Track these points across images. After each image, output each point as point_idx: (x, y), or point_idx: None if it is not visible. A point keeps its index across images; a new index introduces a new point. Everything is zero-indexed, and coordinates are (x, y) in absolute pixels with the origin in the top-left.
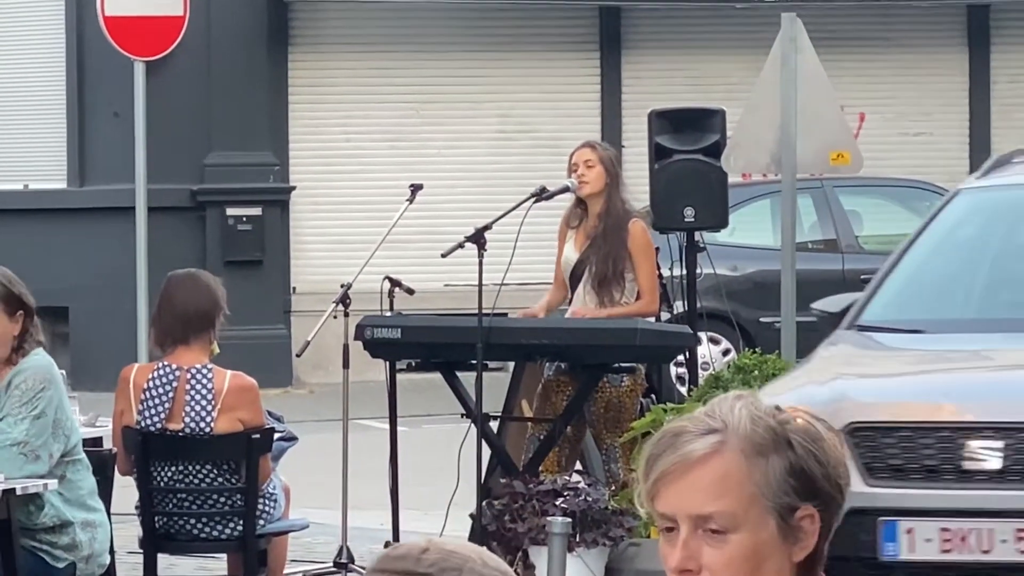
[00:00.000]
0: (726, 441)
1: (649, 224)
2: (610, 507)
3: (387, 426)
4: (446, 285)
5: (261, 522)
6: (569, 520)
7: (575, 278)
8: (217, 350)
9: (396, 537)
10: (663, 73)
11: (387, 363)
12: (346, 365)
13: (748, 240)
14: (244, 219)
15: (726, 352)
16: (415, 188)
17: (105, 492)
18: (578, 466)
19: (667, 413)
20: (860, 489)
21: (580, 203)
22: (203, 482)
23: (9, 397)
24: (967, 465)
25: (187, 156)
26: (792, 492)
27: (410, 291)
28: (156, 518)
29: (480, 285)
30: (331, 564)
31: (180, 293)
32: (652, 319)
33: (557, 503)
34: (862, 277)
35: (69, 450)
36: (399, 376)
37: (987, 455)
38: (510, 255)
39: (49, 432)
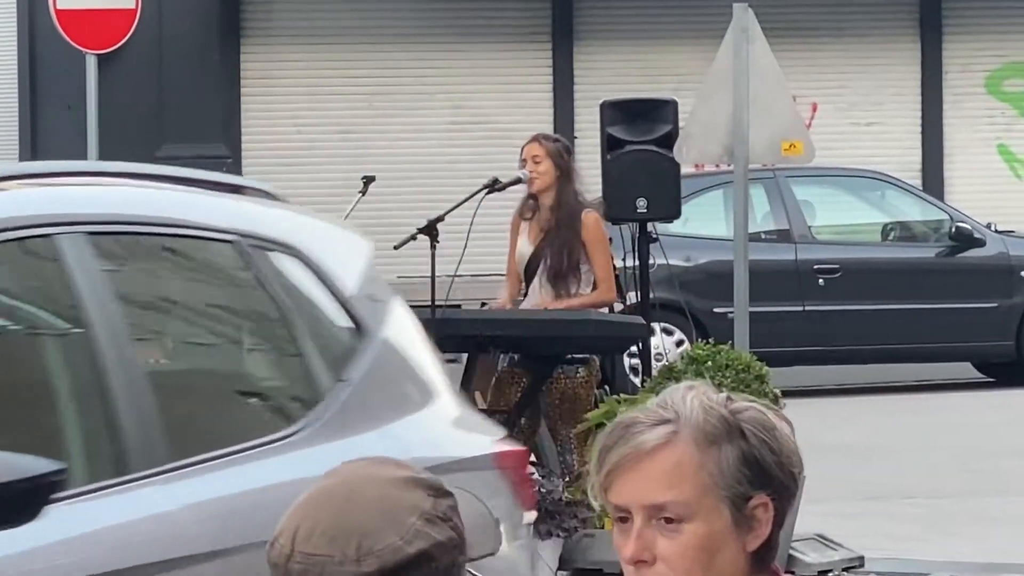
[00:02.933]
0: (678, 431)
1: (603, 215)
2: (564, 498)
3: None
4: (399, 277)
5: None
6: None
7: (530, 271)
8: None
9: None
10: (615, 63)
11: None
12: None
13: (701, 230)
14: None
15: (679, 343)
16: (368, 180)
17: None
18: (532, 458)
19: (621, 404)
20: None
21: (532, 195)
22: None
23: None
24: None
25: (140, 149)
26: (745, 481)
27: None
28: None
29: (433, 277)
30: None
31: None
32: (607, 309)
33: None
34: (815, 267)
35: None
36: None
37: None
38: (463, 247)
39: None
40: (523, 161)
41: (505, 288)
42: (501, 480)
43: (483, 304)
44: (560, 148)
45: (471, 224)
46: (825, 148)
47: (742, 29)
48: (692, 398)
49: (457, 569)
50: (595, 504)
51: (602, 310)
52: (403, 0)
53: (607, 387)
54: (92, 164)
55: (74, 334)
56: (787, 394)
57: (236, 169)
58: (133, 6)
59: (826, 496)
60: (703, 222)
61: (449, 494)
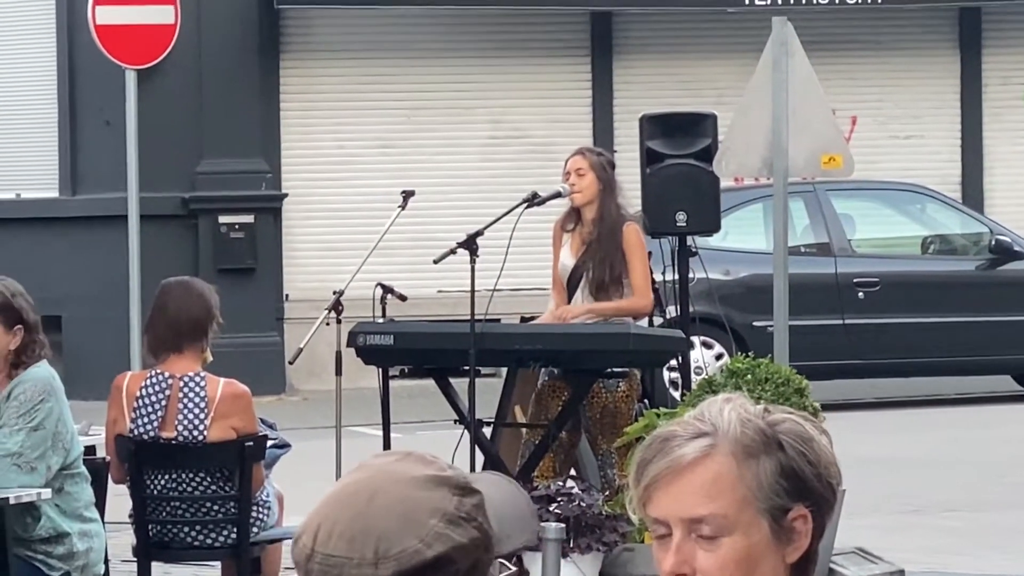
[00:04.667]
0: (716, 444)
1: (644, 228)
2: (604, 512)
3: (380, 433)
4: (439, 291)
5: (255, 530)
6: (563, 526)
7: (572, 284)
8: (210, 358)
9: None
10: (654, 77)
11: (380, 370)
12: (339, 372)
13: (740, 244)
14: (236, 227)
15: (719, 356)
16: (407, 194)
17: (99, 500)
18: (572, 472)
19: (660, 418)
20: None
21: (575, 208)
22: (196, 490)
23: (8, 408)
24: None
25: (179, 164)
26: (784, 493)
27: (402, 297)
28: (150, 526)
29: (472, 291)
30: None
31: (173, 301)
32: (645, 321)
33: (551, 509)
34: (855, 280)
35: (69, 463)
36: (392, 383)
37: None
38: (502, 261)
39: (48, 445)
40: (567, 174)
41: (552, 300)
42: None
43: (522, 319)
44: (604, 162)
45: (510, 238)
46: (865, 161)
47: (781, 43)
48: (729, 411)
49: (480, 569)
50: (634, 518)
51: (642, 323)
52: (442, 15)
53: (647, 401)
54: None
55: None
56: (826, 408)
57: (275, 184)
58: (172, 21)
59: (866, 509)
60: (742, 236)
61: (475, 492)
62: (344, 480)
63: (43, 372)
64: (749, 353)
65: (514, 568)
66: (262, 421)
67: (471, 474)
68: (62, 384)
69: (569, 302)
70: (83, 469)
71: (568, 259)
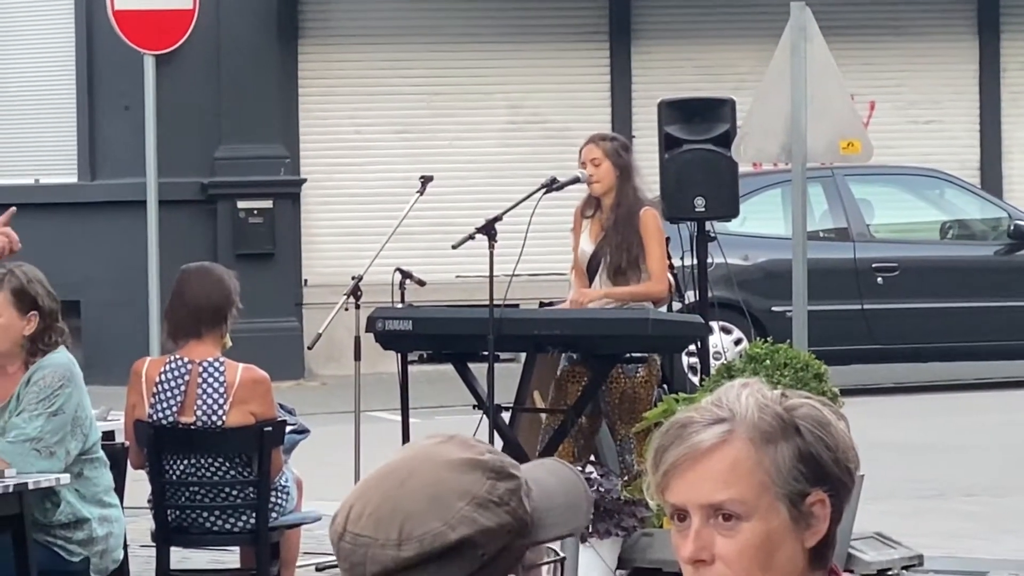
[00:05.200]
0: (734, 430)
1: (661, 213)
2: (623, 497)
3: (399, 418)
4: (457, 276)
5: (274, 515)
6: None
7: (591, 269)
8: (229, 343)
9: None
10: (673, 63)
11: (399, 355)
12: (358, 357)
13: (759, 229)
14: (255, 212)
15: (738, 342)
16: (425, 180)
17: (118, 486)
18: (592, 457)
19: (679, 403)
20: None
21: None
22: (215, 475)
23: (27, 393)
24: None
25: (198, 149)
26: (802, 478)
27: (421, 283)
28: (169, 511)
29: (491, 276)
30: None
31: (193, 287)
32: (664, 306)
33: None
34: (873, 265)
35: (88, 448)
36: (411, 368)
37: None
38: (521, 246)
39: (67, 430)
40: (583, 164)
41: (574, 285)
42: None
43: (541, 304)
44: (617, 147)
45: (529, 224)
46: (883, 146)
47: (800, 28)
48: (747, 396)
49: (511, 555)
50: (652, 504)
51: (660, 308)
52: (461, 0)
53: (666, 386)
54: None
55: None
56: (845, 393)
57: (294, 169)
58: (191, 7)
59: (885, 495)
60: (761, 221)
61: (512, 477)
62: (386, 461)
63: (62, 358)
64: (768, 338)
65: (564, 555)
66: (281, 406)
67: (531, 461)
68: (80, 370)
69: (589, 287)
70: (101, 454)
71: (587, 245)
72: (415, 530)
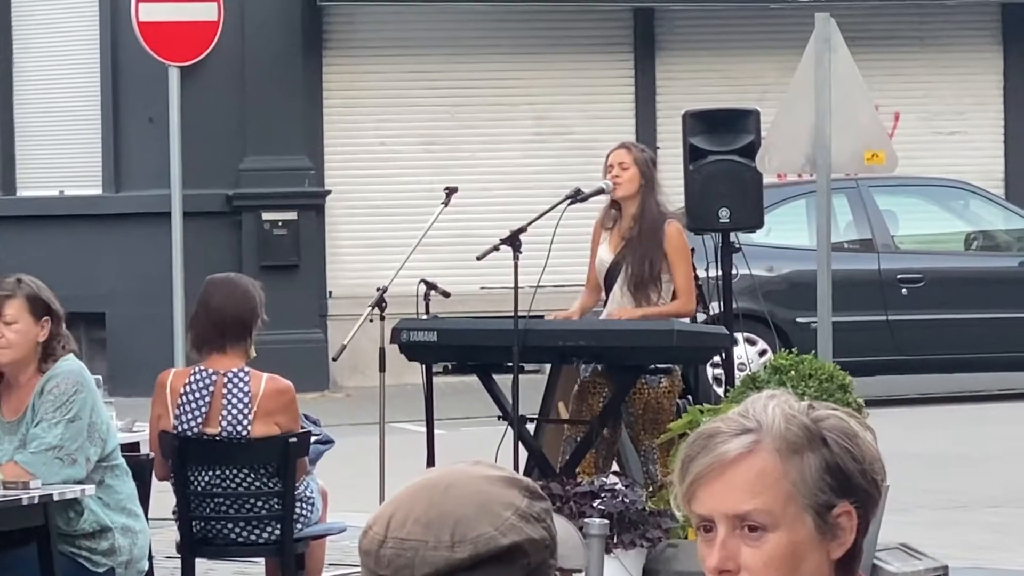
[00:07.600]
0: (760, 441)
1: (684, 225)
2: (647, 508)
3: (424, 429)
4: (482, 288)
5: (298, 526)
6: (606, 522)
7: (610, 280)
8: (254, 354)
9: None
10: (697, 74)
11: (423, 366)
12: (382, 368)
13: (784, 240)
14: (280, 223)
15: (762, 353)
16: (450, 191)
17: (143, 497)
18: (615, 468)
19: (704, 414)
20: None
21: (614, 204)
22: (240, 486)
23: (43, 403)
24: None
25: (222, 161)
26: (828, 489)
27: (446, 294)
28: (194, 522)
29: (516, 287)
30: None
31: (218, 298)
32: (688, 320)
33: (594, 505)
34: (898, 276)
35: (107, 455)
36: (436, 379)
37: None
38: (545, 257)
39: (84, 436)
40: (609, 168)
41: (579, 298)
42: None
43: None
44: (647, 158)
45: (553, 235)
46: (908, 157)
47: (824, 39)
48: (774, 407)
49: (548, 569)
50: (678, 514)
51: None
52: (485, 11)
53: (690, 397)
54: None
55: None
56: (870, 404)
57: (319, 180)
58: (215, 18)
59: (910, 505)
60: (786, 232)
61: (544, 497)
62: (417, 479)
63: (73, 364)
64: (793, 349)
65: None
66: (306, 417)
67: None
68: (91, 376)
69: (607, 299)
70: (122, 461)
71: (606, 254)
72: (468, 533)
